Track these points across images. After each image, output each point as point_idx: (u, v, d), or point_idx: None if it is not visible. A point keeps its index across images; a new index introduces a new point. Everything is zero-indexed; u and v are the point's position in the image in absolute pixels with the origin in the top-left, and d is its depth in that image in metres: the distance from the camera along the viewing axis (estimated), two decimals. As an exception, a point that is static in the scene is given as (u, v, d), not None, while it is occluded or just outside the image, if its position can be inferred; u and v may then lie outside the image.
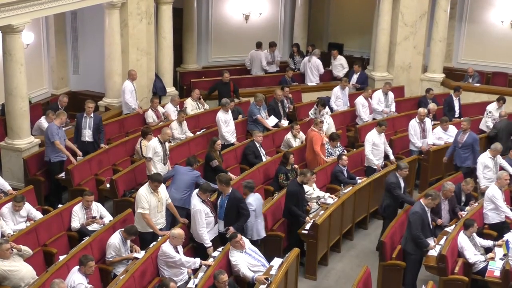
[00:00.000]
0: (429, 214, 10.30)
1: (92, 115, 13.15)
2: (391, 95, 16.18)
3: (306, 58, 18.63)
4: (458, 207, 11.49)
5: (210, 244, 10.21)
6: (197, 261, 9.71)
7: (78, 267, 8.92)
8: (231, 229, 10.26)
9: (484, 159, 12.62)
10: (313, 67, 18.28)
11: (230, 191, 10.41)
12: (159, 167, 12.02)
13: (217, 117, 14.09)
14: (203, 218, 10.15)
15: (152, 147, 12.13)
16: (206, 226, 10.19)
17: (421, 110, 14.16)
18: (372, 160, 13.26)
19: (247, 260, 9.65)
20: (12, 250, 9.10)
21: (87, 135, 13.08)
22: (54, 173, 12.42)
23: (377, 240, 11.54)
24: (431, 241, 10.33)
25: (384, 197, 11.48)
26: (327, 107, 15.13)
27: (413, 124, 14.10)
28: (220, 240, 10.49)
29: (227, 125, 14.06)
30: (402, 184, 11.43)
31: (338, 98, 16.30)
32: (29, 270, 9.20)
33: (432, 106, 15.26)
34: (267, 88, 17.34)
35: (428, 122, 14.22)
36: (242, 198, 10.50)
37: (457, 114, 16.04)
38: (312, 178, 11.85)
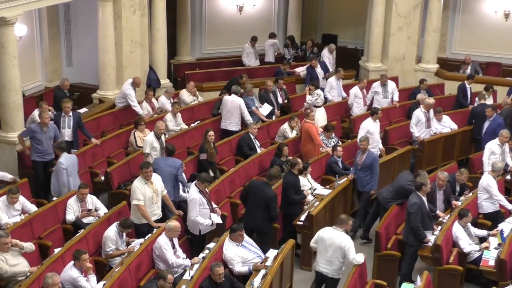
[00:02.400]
0: (427, 204, 10.32)
1: (70, 113, 12.80)
2: (391, 84, 16.07)
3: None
4: (453, 197, 11.51)
5: (209, 221, 10.28)
6: (187, 262, 9.68)
7: (72, 262, 8.89)
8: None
9: (492, 145, 12.69)
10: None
11: None
12: (156, 162, 12.02)
13: (237, 103, 14.12)
14: (196, 207, 10.19)
15: (149, 142, 12.12)
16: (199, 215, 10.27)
17: (430, 101, 14.18)
18: None
19: (242, 254, 9.64)
20: (11, 245, 9.03)
21: (67, 134, 12.69)
22: (36, 172, 12.19)
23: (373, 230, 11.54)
24: (429, 234, 10.33)
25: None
26: (319, 89, 15.27)
27: (418, 114, 14.09)
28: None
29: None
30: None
31: (333, 88, 16.29)
32: (25, 265, 9.17)
33: (420, 96, 15.17)
34: (260, 79, 17.26)
35: (431, 111, 14.23)
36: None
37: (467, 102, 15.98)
38: (308, 170, 11.93)
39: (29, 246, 9.34)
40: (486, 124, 13.77)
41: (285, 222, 11.25)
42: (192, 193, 10.29)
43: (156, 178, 10.58)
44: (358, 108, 15.68)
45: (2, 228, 9.70)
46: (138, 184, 10.34)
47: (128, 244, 10.10)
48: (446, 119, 14.64)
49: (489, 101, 15.07)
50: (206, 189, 10.45)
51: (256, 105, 14.87)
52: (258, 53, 19.21)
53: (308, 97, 15.14)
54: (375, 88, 15.88)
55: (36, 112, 13.63)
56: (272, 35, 19.36)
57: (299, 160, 11.42)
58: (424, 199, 10.24)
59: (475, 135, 14.32)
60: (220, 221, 10.46)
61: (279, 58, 19.25)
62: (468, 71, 18.07)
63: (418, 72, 18.37)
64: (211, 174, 11.89)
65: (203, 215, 10.29)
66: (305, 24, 21.39)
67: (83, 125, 13.04)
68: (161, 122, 12.59)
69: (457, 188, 11.87)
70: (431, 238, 10.30)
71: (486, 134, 13.67)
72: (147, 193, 10.35)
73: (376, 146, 13.44)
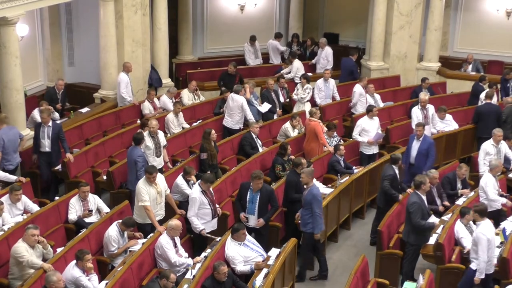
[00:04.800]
0: (426, 203, 10.31)
1: (50, 124, 12.25)
2: (377, 96, 15.90)
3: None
4: (445, 195, 11.50)
5: (202, 227, 10.23)
6: (189, 261, 9.69)
7: (74, 262, 8.89)
8: (261, 221, 10.42)
9: (486, 145, 12.65)
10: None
11: (261, 186, 10.45)
12: (151, 160, 11.99)
13: (240, 102, 14.13)
14: (196, 206, 10.20)
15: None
16: (198, 215, 10.25)
17: (422, 96, 14.14)
18: (361, 140, 13.43)
19: (244, 253, 9.64)
20: (37, 239, 9.04)
21: (47, 145, 12.18)
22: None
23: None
24: (431, 219, 10.37)
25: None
26: (310, 84, 15.41)
27: (415, 111, 14.06)
28: (255, 236, 10.47)
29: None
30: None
31: (321, 90, 16.10)
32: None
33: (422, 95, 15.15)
34: (262, 78, 17.27)
35: (431, 109, 14.17)
36: (273, 190, 10.68)
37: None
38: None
39: (51, 251, 9.36)
40: (416, 145, 12.51)
41: (287, 221, 11.25)
42: (194, 192, 10.32)
43: (160, 179, 10.58)
44: (362, 107, 15.58)
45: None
46: (142, 185, 10.34)
47: (134, 238, 10.09)
48: (448, 117, 14.63)
49: (493, 99, 15.03)
50: (210, 189, 10.44)
51: (252, 101, 14.87)
52: (261, 52, 19.19)
53: (299, 92, 15.29)
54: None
55: (35, 111, 13.66)
56: (278, 35, 19.24)
57: (303, 160, 11.36)
58: (424, 197, 10.23)
59: (479, 134, 14.27)
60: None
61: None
62: (470, 69, 18.08)
63: (420, 71, 18.35)
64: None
65: (204, 214, 10.31)
66: (306, 23, 21.38)
67: (63, 137, 12.41)
68: (154, 120, 12.54)
69: (459, 185, 11.86)
70: (434, 236, 10.31)
71: (418, 155, 12.40)
72: (152, 193, 10.35)
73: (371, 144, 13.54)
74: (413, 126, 14.04)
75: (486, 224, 9.58)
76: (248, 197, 10.54)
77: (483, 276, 9.42)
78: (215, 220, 10.54)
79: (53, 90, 14.60)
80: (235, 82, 16.21)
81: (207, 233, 10.35)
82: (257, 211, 10.48)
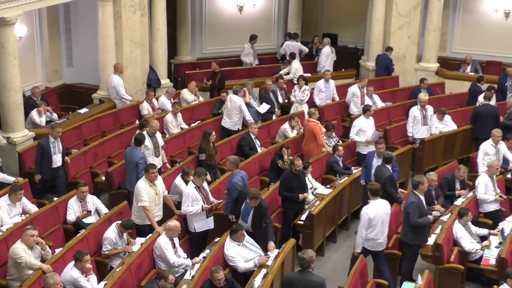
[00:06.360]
0: (424, 203, 10.31)
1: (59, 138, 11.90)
2: (376, 97, 15.90)
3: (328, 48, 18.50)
4: (442, 198, 11.49)
5: (199, 206, 10.16)
6: (188, 262, 9.67)
7: (73, 262, 8.89)
8: (272, 245, 10.04)
9: (485, 146, 12.65)
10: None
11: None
12: (150, 160, 11.96)
13: (238, 103, 14.13)
14: (188, 201, 10.19)
15: None
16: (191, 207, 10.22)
17: (422, 96, 14.14)
18: (359, 140, 13.42)
19: (243, 253, 9.63)
20: (36, 240, 9.05)
21: (58, 160, 11.83)
22: None
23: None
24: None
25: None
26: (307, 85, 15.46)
27: (414, 111, 14.08)
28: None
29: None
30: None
31: (321, 91, 16.08)
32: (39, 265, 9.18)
33: (422, 95, 15.16)
34: (260, 79, 17.26)
35: (430, 109, 14.17)
36: (267, 208, 10.31)
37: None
38: (309, 169, 11.91)
39: (50, 252, 9.36)
40: (377, 163, 11.76)
41: (283, 221, 11.27)
42: (187, 188, 10.35)
43: (158, 179, 10.56)
44: (356, 107, 15.57)
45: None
46: (142, 185, 10.32)
47: (129, 242, 10.07)
48: (447, 118, 14.63)
49: (492, 101, 15.03)
50: (204, 185, 10.43)
51: (251, 102, 14.90)
52: (257, 53, 19.20)
53: (297, 93, 15.34)
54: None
55: (34, 112, 13.65)
56: (295, 36, 19.17)
57: (296, 162, 11.26)
58: (422, 197, 10.21)
59: (477, 135, 14.28)
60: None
61: (303, 58, 19.10)
62: (468, 70, 18.08)
63: (418, 71, 18.37)
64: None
65: (199, 212, 10.27)
66: (305, 24, 21.39)
67: None
68: (155, 121, 12.54)
69: (457, 186, 11.87)
70: (432, 236, 10.31)
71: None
72: (151, 194, 10.34)
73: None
74: (408, 127, 14.11)
75: (374, 204, 9.86)
76: (243, 206, 10.32)
77: (359, 250, 9.85)
78: (211, 218, 10.48)
79: (32, 100, 14.20)
80: (217, 80, 16.25)
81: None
82: (250, 223, 10.24)
